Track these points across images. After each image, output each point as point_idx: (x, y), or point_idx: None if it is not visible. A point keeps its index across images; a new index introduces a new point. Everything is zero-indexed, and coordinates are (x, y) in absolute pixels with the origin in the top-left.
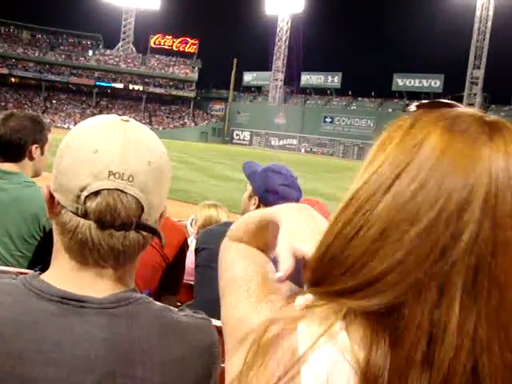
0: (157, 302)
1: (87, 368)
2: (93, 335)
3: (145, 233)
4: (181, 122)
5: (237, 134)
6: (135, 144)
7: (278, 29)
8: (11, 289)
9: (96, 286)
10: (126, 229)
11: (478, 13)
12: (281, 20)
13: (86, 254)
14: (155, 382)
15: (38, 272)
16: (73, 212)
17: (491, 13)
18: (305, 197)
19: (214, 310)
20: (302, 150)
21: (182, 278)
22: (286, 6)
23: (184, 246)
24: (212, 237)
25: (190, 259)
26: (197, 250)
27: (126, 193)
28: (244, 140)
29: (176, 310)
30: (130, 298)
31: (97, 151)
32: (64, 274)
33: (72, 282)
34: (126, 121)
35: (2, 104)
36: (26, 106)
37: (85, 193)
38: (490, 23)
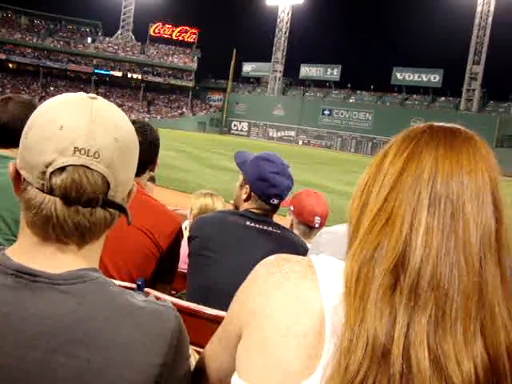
0: (116, 284)
1: (31, 344)
2: (41, 311)
3: (112, 210)
4: (179, 111)
5: (235, 125)
6: (102, 120)
7: (279, 20)
8: None
9: (54, 261)
10: (92, 205)
11: (478, 8)
12: (281, 11)
13: (49, 230)
14: (98, 363)
15: (2, 247)
16: (38, 188)
17: (492, 8)
18: (299, 187)
19: (206, 297)
20: (300, 142)
21: (177, 267)
22: None
23: (178, 235)
24: (203, 225)
25: (185, 248)
26: (189, 239)
27: (91, 169)
28: (242, 131)
29: (137, 294)
30: (85, 277)
31: (62, 127)
32: (25, 249)
33: (31, 257)
34: (94, 98)
35: (0, 90)
36: (23, 92)
37: (50, 169)
38: (490, 19)
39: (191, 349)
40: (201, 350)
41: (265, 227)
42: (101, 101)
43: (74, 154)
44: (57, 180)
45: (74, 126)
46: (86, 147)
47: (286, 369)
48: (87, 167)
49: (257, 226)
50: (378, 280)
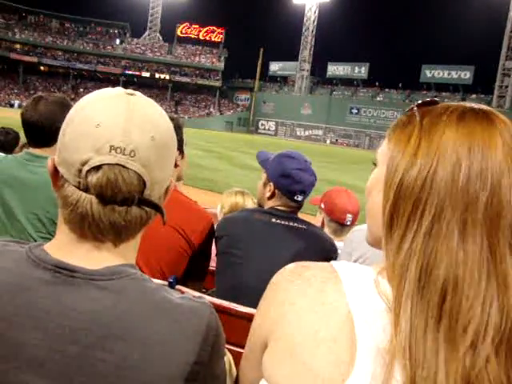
0: (154, 281)
1: (71, 338)
2: (79, 306)
3: (148, 208)
4: (206, 111)
5: (262, 124)
6: (139, 118)
7: (305, 18)
8: (14, 255)
9: (91, 258)
10: (127, 204)
11: None
12: (308, 9)
13: (85, 227)
14: (135, 359)
15: (41, 242)
16: (75, 186)
17: None
18: (327, 186)
19: (235, 295)
20: (328, 141)
21: (208, 264)
22: None
23: (210, 232)
24: (229, 224)
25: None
26: (217, 238)
27: (127, 168)
28: (269, 130)
29: (173, 291)
30: (123, 273)
31: (98, 125)
32: (62, 245)
33: (68, 253)
34: (131, 94)
35: (32, 92)
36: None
37: (86, 167)
38: None
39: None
40: (232, 348)
41: (291, 223)
42: (138, 97)
43: (110, 153)
44: (92, 178)
45: (111, 124)
46: (122, 146)
47: (317, 375)
48: (123, 166)
49: (283, 222)
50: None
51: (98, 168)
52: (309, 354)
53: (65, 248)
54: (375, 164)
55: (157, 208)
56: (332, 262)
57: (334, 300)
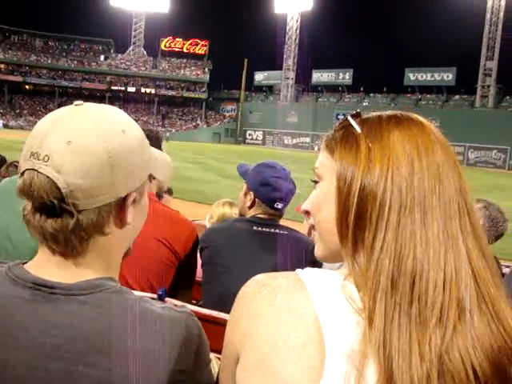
0: (134, 293)
1: (53, 355)
2: (61, 322)
3: (81, 217)
4: (193, 123)
5: (249, 134)
6: (60, 125)
7: (288, 27)
8: None
9: (67, 272)
10: (47, 210)
11: (489, 3)
12: (290, 18)
13: (42, 239)
14: (118, 372)
15: (20, 261)
16: None
17: (503, 2)
18: None
19: (222, 304)
20: (316, 148)
21: (195, 273)
22: (295, 4)
23: (194, 240)
24: (211, 234)
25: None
26: (201, 249)
27: (40, 172)
28: (257, 140)
29: (155, 301)
30: (102, 286)
31: (31, 134)
32: (40, 262)
33: (43, 268)
34: (77, 105)
35: (17, 111)
36: (40, 113)
37: (19, 175)
38: (502, 14)
39: (213, 356)
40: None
41: (272, 230)
42: (83, 107)
43: (29, 159)
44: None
45: (36, 133)
46: (39, 151)
47: (289, 383)
48: (36, 170)
49: (264, 229)
50: None
51: (22, 174)
52: (279, 363)
53: (42, 264)
54: (315, 181)
55: (72, 215)
56: (297, 271)
57: (301, 307)
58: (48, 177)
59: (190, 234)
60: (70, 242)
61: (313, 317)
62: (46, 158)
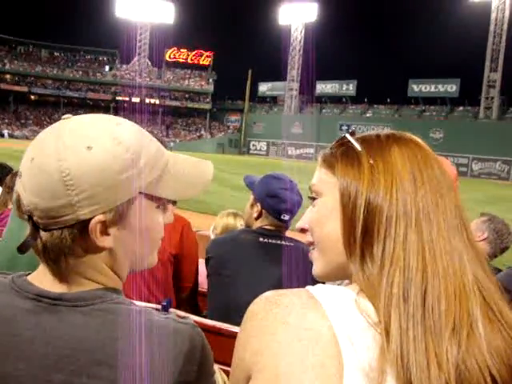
0: (137, 303)
1: (56, 367)
2: (63, 333)
3: (44, 236)
4: (197, 134)
5: (253, 145)
6: (34, 141)
7: (292, 38)
8: None
9: (65, 283)
10: (32, 225)
11: (493, 15)
12: (294, 29)
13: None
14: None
15: (23, 273)
16: None
17: (507, 14)
18: None
19: (227, 315)
20: (319, 159)
21: (196, 266)
22: (299, 15)
23: (187, 233)
24: (217, 245)
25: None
26: (206, 260)
27: (14, 190)
28: (261, 150)
29: (158, 313)
30: (104, 297)
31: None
32: (40, 272)
33: (46, 280)
34: (66, 118)
35: (22, 121)
36: (45, 123)
37: None
38: (505, 25)
39: (217, 367)
40: (226, 368)
41: (278, 241)
42: (62, 121)
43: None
44: None
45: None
46: (20, 168)
47: None
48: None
49: (270, 241)
50: None
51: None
52: (296, 382)
53: (42, 275)
54: (313, 198)
55: (37, 230)
56: (308, 287)
57: (318, 325)
58: (17, 192)
59: (182, 229)
60: (51, 257)
61: (330, 333)
62: (20, 175)
